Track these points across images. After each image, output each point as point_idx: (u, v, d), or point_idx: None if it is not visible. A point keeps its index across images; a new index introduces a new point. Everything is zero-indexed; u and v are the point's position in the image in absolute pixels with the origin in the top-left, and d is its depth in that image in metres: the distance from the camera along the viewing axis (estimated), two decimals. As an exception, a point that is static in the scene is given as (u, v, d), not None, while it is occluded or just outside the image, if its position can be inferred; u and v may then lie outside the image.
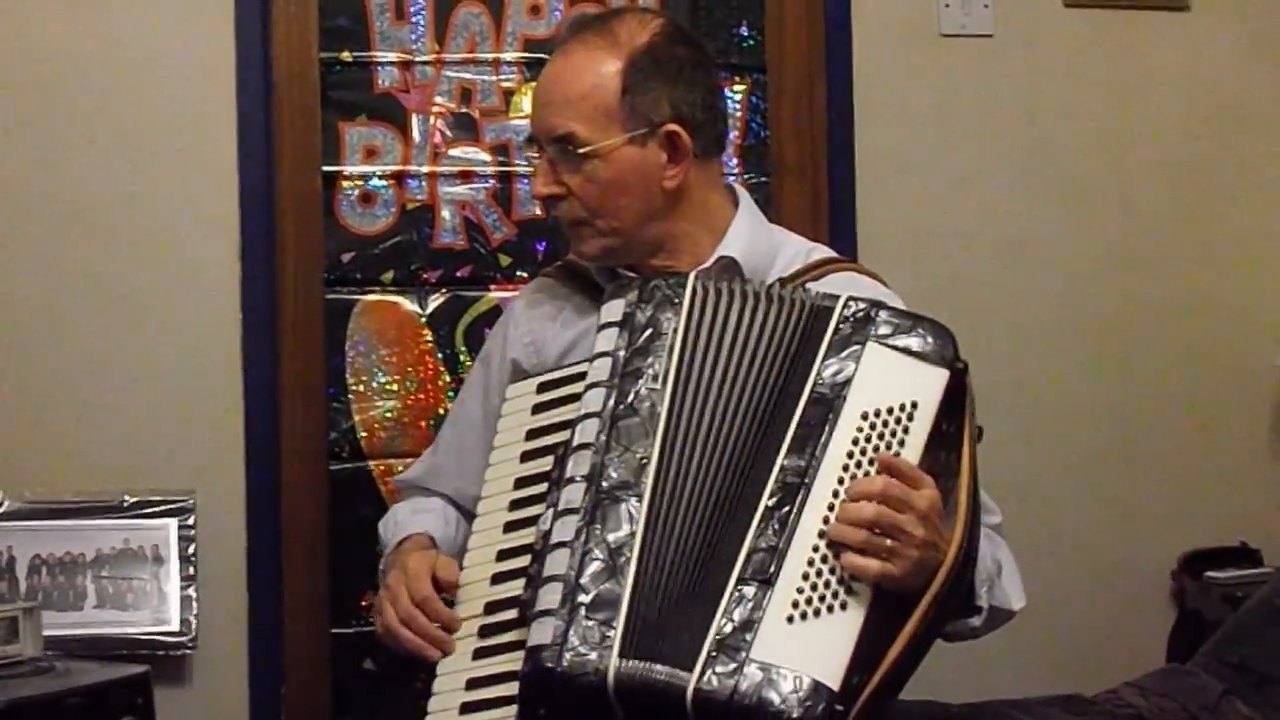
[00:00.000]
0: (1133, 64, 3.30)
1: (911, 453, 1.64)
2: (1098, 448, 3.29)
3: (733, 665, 1.53)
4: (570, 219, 1.95)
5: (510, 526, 1.78)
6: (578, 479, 1.67)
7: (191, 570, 2.88)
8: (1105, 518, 3.28)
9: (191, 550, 2.88)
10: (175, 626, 2.85)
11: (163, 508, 2.89)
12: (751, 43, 3.19)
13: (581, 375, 1.78)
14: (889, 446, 1.64)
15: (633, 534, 1.61)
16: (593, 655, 1.56)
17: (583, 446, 1.68)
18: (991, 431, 1.81)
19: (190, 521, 2.89)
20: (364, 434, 3.06)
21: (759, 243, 1.99)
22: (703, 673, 1.54)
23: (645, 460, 1.65)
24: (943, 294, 3.02)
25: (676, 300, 1.76)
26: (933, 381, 1.67)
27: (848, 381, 1.67)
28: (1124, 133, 3.29)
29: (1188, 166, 3.32)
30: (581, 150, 1.89)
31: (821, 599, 1.57)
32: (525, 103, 3.09)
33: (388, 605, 1.83)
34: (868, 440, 1.64)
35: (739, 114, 3.16)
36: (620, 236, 1.94)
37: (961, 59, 3.23)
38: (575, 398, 1.77)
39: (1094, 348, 3.30)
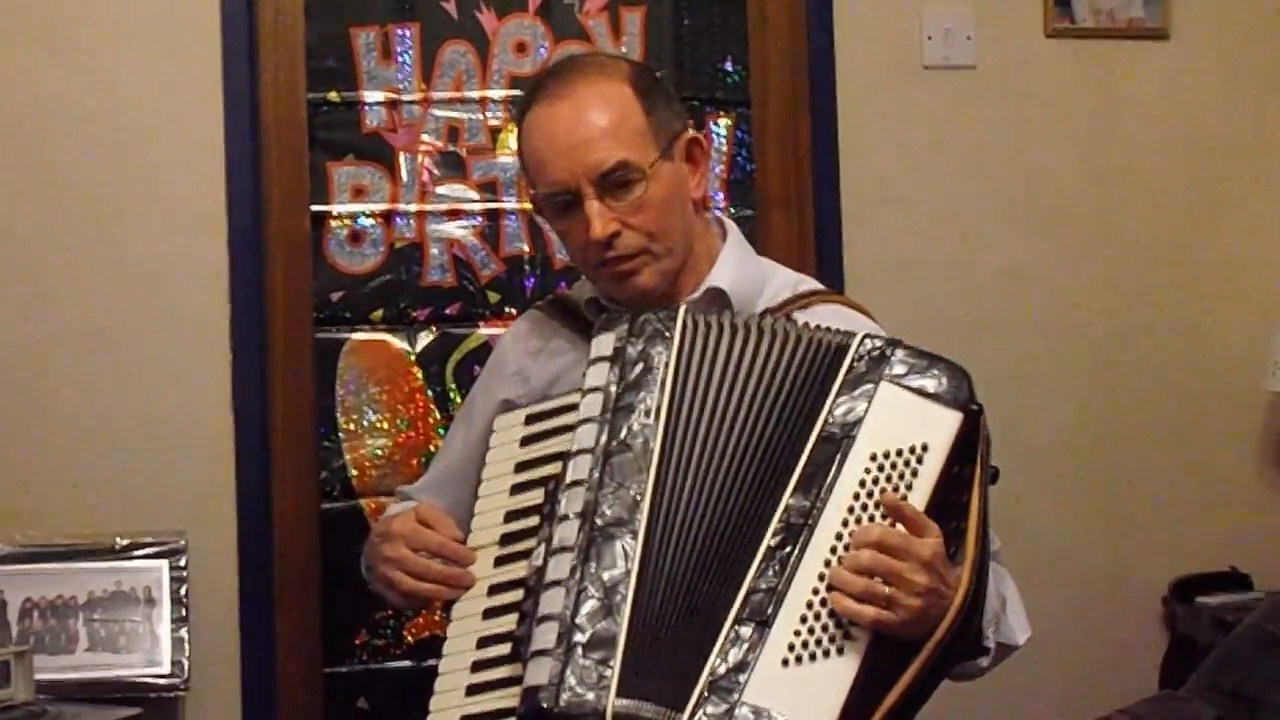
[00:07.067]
0: (1114, 93, 3.32)
1: (920, 495, 1.62)
2: (1087, 475, 3.30)
3: (724, 707, 1.52)
4: (632, 250, 1.88)
5: (501, 561, 1.77)
6: (571, 516, 1.65)
7: (183, 612, 2.87)
8: (1095, 544, 3.29)
9: (183, 591, 2.87)
10: (167, 669, 2.84)
11: (154, 549, 2.88)
12: (736, 78, 3.20)
13: (569, 407, 1.77)
14: (897, 488, 1.61)
15: (628, 571, 1.60)
16: (590, 695, 1.54)
17: (576, 483, 1.67)
18: (980, 461, 1.80)
19: (182, 563, 2.88)
20: (355, 472, 3.06)
21: (747, 274, 1.99)
22: (693, 713, 1.52)
23: (639, 496, 1.64)
24: (930, 324, 3.02)
25: (667, 334, 1.74)
26: (945, 424, 1.65)
27: (859, 421, 1.65)
28: (1107, 161, 3.31)
29: (1170, 194, 3.34)
30: (636, 176, 1.86)
31: (819, 643, 1.56)
32: (512, 140, 3.09)
33: (397, 573, 1.83)
34: (875, 482, 1.62)
35: (724, 148, 3.18)
36: (675, 258, 1.91)
37: (945, 91, 3.25)
38: (563, 430, 1.76)
39: (1081, 375, 3.31)
